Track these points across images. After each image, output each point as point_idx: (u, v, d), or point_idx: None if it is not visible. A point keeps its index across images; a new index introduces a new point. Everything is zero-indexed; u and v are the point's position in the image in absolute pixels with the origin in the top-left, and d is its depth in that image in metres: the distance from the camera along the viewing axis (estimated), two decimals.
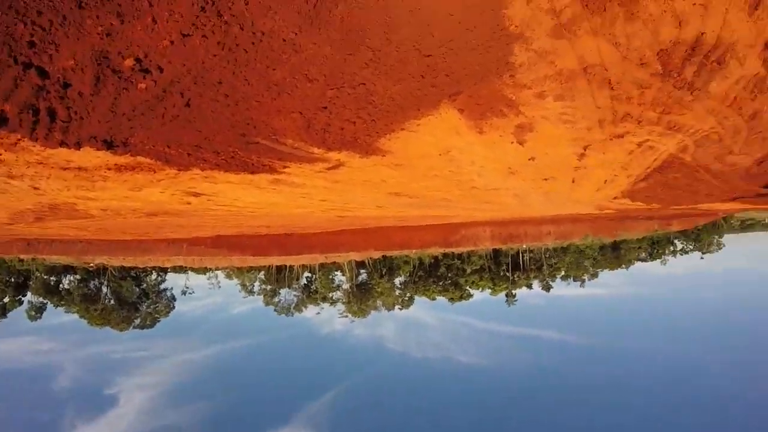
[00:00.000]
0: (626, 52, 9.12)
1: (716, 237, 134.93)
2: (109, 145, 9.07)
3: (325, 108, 8.82)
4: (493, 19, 7.86)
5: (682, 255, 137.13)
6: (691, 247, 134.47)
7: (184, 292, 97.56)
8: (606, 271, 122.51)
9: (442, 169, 15.65)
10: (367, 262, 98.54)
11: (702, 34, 8.83)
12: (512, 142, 13.20)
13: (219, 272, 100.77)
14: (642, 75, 10.07)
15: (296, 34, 7.11)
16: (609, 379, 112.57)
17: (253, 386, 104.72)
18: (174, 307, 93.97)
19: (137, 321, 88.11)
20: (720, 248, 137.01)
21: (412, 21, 7.67)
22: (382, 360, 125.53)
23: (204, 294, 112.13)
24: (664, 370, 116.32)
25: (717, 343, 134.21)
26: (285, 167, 12.51)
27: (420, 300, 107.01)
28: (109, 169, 11.46)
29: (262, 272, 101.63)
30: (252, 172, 12.33)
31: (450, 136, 12.08)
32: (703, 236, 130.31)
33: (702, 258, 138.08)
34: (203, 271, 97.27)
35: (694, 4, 8.05)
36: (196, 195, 16.17)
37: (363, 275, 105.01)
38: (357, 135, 10.61)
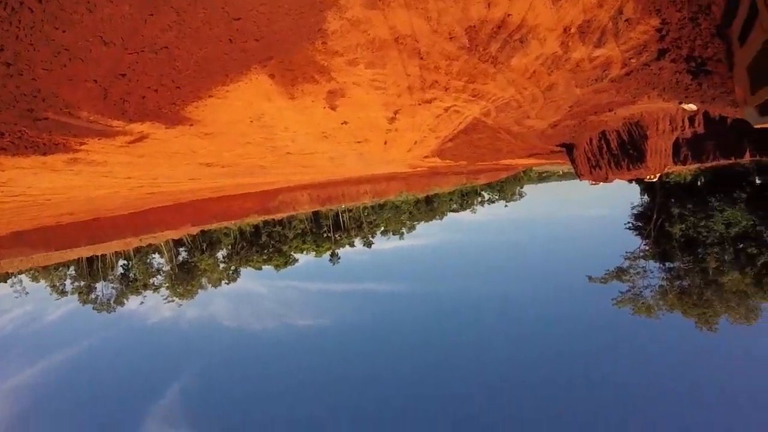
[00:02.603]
0: (436, 26, 9.55)
1: (518, 188, 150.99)
2: None
3: (124, 75, 8.11)
4: None
5: (489, 204, 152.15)
6: (497, 197, 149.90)
7: None
8: (422, 223, 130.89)
9: (255, 136, 15.37)
10: (185, 239, 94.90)
11: (508, 15, 9.54)
12: (324, 107, 13.33)
13: (23, 276, 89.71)
14: (450, 48, 10.63)
15: None
16: (437, 318, 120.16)
17: (92, 397, 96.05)
18: None
19: None
20: (522, 197, 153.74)
21: None
22: (222, 339, 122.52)
23: (10, 305, 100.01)
24: (483, 300, 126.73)
25: (525, 273, 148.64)
26: (82, 144, 11.46)
27: (246, 271, 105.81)
28: None
29: (72, 267, 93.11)
30: (44, 153, 11.13)
31: (261, 102, 11.86)
32: (506, 187, 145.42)
33: (506, 206, 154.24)
34: (4, 277, 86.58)
35: None
36: None
37: (183, 254, 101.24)
38: (161, 104, 9.98)
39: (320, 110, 13.50)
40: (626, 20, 10.21)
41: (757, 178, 58.25)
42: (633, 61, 12.59)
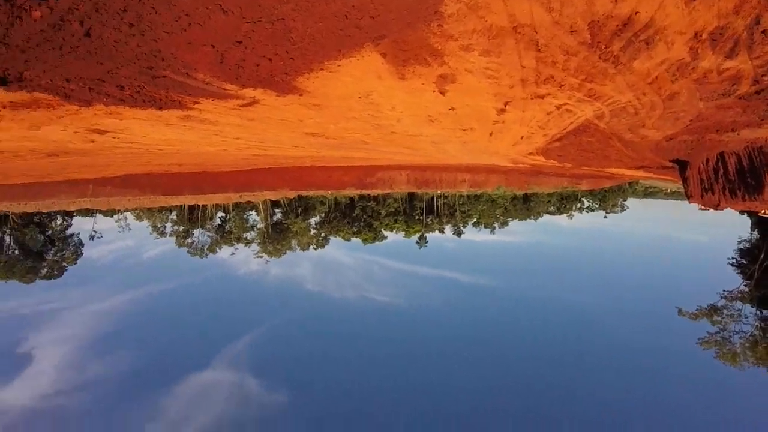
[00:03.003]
0: (558, 17, 9.03)
1: (620, 199, 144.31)
2: (1, 81, 8.31)
3: (240, 42, 8.26)
4: None
5: (588, 212, 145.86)
6: (597, 206, 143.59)
7: (92, 237, 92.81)
8: (516, 220, 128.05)
9: (362, 112, 15.40)
10: (282, 201, 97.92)
11: (636, 12, 8.86)
12: (434, 91, 13.09)
13: (128, 214, 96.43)
14: (570, 42, 10.06)
15: None
16: (514, 317, 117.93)
17: (172, 331, 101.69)
18: (82, 254, 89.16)
19: (44, 271, 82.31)
20: (623, 210, 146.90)
21: None
22: (301, 299, 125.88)
23: (113, 237, 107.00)
24: (563, 309, 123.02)
25: (611, 288, 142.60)
26: (196, 103, 11.90)
27: (335, 240, 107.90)
28: (4, 107, 10.63)
29: (174, 212, 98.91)
30: (160, 108, 11.65)
31: (371, 79, 11.80)
32: (609, 197, 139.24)
33: (605, 217, 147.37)
34: (111, 213, 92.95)
35: None
36: (101, 132, 15.26)
37: (278, 215, 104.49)
38: (273, 72, 10.12)
39: (429, 93, 13.28)
40: (763, 31, 9.26)
41: None
42: (765, 78, 11.53)
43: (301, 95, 12.32)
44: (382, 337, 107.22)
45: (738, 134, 18.38)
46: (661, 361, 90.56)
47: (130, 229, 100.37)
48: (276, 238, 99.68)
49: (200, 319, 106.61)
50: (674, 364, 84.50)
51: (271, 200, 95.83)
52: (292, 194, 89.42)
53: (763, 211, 25.74)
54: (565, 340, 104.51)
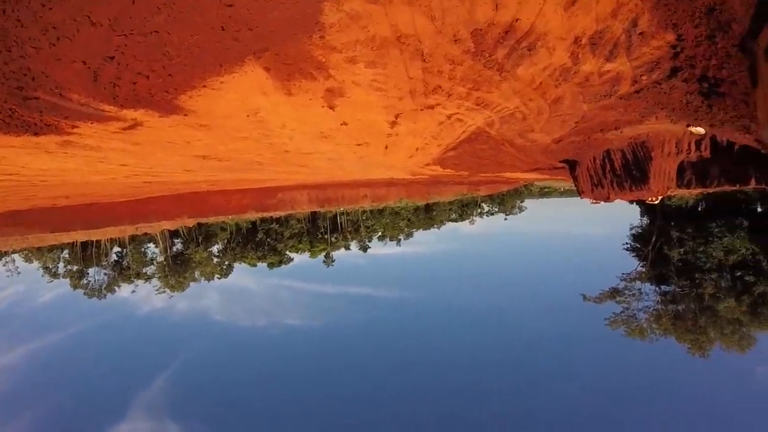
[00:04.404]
0: (441, 26, 9.27)
1: (518, 201, 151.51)
2: None
3: (113, 58, 7.95)
4: None
5: (488, 216, 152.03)
6: (497, 209, 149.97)
7: None
8: (420, 230, 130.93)
9: (251, 131, 15.19)
10: (181, 230, 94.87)
11: (517, 19, 9.25)
12: (323, 106, 13.11)
13: (16, 256, 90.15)
14: (455, 51, 10.37)
15: None
16: (428, 326, 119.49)
17: (78, 384, 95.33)
18: None
19: None
20: (522, 211, 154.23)
21: None
22: (211, 333, 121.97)
23: (2, 283, 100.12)
24: (475, 311, 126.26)
25: (519, 286, 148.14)
26: (74, 127, 11.34)
27: (239, 267, 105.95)
28: None
29: (66, 251, 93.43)
30: (36, 134, 11.01)
31: (257, 96, 11.68)
32: (507, 200, 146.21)
33: (505, 219, 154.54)
34: None
35: None
36: None
37: (178, 245, 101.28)
38: (152, 91, 9.83)
39: (318, 109, 13.27)
40: (640, 33, 9.97)
41: (759, 206, 58.41)
42: (644, 78, 12.40)
43: (186, 115, 12.01)
44: (297, 361, 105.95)
45: (621, 132, 19.64)
46: (575, 345, 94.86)
47: (19, 273, 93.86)
48: (177, 270, 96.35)
49: (108, 367, 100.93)
50: (588, 346, 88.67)
51: (169, 230, 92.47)
52: (191, 222, 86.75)
53: (650, 199, 27.74)
54: (484, 342, 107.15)
